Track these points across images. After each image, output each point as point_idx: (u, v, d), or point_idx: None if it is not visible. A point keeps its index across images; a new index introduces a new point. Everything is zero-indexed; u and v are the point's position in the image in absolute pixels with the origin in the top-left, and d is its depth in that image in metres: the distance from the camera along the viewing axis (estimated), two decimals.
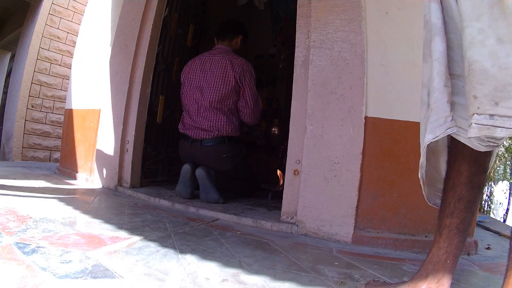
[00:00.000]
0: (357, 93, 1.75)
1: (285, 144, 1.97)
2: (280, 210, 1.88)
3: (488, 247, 1.81)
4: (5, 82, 5.82)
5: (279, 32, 5.02)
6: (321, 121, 1.79)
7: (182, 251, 1.25)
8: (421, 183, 1.03)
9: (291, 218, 1.83)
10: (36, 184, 2.41)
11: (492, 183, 4.61)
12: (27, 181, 2.51)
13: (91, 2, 3.40)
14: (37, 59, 4.61)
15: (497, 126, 0.69)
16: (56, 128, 4.88)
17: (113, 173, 2.56)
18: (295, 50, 1.94)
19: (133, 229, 1.49)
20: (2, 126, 4.94)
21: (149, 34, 2.59)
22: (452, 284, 1.19)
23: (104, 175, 2.62)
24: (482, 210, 4.30)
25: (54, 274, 0.92)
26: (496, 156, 4.37)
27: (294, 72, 1.93)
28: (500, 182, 4.89)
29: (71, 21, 4.99)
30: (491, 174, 4.55)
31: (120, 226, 1.52)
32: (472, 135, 0.72)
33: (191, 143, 2.35)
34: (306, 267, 1.23)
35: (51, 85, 4.82)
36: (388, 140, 1.76)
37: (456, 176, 0.88)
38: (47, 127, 4.81)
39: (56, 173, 3.16)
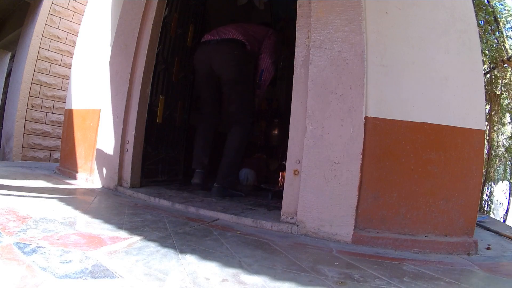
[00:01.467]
0: (357, 93, 1.75)
1: (285, 144, 1.97)
2: (280, 210, 1.88)
3: (488, 247, 1.81)
4: (5, 82, 5.82)
5: (279, 32, 5.01)
6: (321, 121, 1.79)
7: (182, 251, 1.25)
8: None
9: (291, 218, 1.83)
10: (36, 184, 2.41)
11: (492, 183, 4.60)
12: (27, 181, 2.51)
13: (91, 2, 3.40)
14: (37, 59, 4.61)
15: None
16: (56, 128, 4.88)
17: (113, 173, 2.56)
18: (295, 50, 1.94)
19: (133, 229, 1.49)
20: (2, 126, 4.94)
21: (149, 34, 2.59)
22: (452, 284, 1.20)
23: (104, 175, 2.62)
24: (482, 210, 4.29)
25: (54, 274, 0.92)
26: (496, 156, 4.36)
27: (294, 72, 1.93)
28: (500, 182, 4.88)
29: (71, 21, 4.99)
30: (491, 174, 4.55)
31: (120, 226, 1.52)
32: None
33: (208, 43, 2.63)
34: (306, 267, 1.22)
35: (51, 85, 4.81)
36: (388, 140, 1.76)
37: None
38: (47, 127, 4.80)
39: (56, 173, 3.16)
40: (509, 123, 4.69)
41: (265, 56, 2.71)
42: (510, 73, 4.28)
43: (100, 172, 2.66)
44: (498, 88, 4.38)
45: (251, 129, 2.70)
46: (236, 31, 2.60)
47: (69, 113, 3.26)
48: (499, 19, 4.25)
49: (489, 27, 4.30)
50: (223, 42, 2.57)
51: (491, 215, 4.34)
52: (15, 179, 2.51)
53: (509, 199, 4.73)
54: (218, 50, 2.57)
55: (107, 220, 1.59)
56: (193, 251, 1.27)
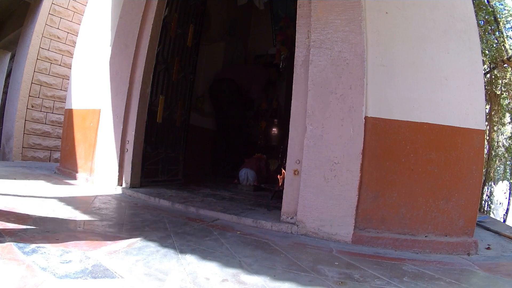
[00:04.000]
0: (357, 93, 1.75)
1: (285, 144, 1.98)
2: (280, 210, 1.88)
3: (488, 247, 1.81)
4: (5, 82, 5.82)
5: (279, 32, 5.02)
6: (321, 121, 1.79)
7: (182, 251, 1.25)
8: None
9: (291, 218, 1.83)
10: (36, 184, 2.41)
11: (492, 183, 4.60)
12: (27, 181, 2.51)
13: (91, 2, 3.40)
14: (37, 59, 4.61)
15: None
16: (56, 128, 4.88)
17: (113, 173, 2.56)
18: (295, 50, 1.94)
19: (133, 229, 1.49)
20: (2, 126, 4.94)
21: (149, 34, 2.59)
22: (452, 284, 1.20)
23: (104, 175, 2.62)
24: (482, 210, 4.28)
25: (54, 274, 0.92)
26: (496, 156, 4.35)
27: (294, 72, 1.93)
28: (500, 182, 4.88)
29: (71, 21, 4.98)
30: (491, 174, 4.54)
31: (120, 226, 1.52)
32: None
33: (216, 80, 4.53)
34: (306, 267, 1.22)
35: (51, 85, 4.81)
36: (388, 140, 1.76)
37: None
38: (47, 127, 4.80)
39: (56, 173, 3.16)
40: (509, 123, 4.69)
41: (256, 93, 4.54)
42: (510, 73, 4.27)
43: (100, 172, 2.66)
44: (498, 88, 4.37)
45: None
46: (231, 75, 4.39)
47: (69, 113, 3.26)
48: (499, 19, 4.25)
49: (489, 27, 4.29)
50: (222, 81, 4.35)
51: (491, 215, 4.34)
52: (15, 179, 2.51)
53: (509, 199, 4.72)
54: (220, 85, 4.36)
55: (107, 220, 1.59)
56: (193, 251, 1.27)
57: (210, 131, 4.63)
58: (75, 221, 1.51)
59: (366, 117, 1.74)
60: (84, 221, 1.53)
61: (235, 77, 4.36)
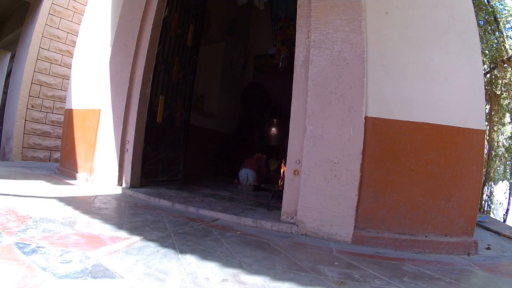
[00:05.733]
0: (357, 93, 1.75)
1: (285, 144, 1.98)
2: (280, 210, 1.88)
3: (488, 247, 1.81)
4: (5, 82, 5.82)
5: (279, 32, 5.02)
6: (321, 121, 1.79)
7: (182, 251, 1.25)
8: None
9: (291, 218, 1.83)
10: (36, 184, 2.41)
11: (492, 183, 4.60)
12: (27, 181, 2.51)
13: (91, 2, 3.40)
14: (37, 59, 4.61)
15: None
16: (56, 128, 4.88)
17: (113, 173, 2.56)
18: (295, 50, 1.94)
19: (133, 229, 1.49)
20: (2, 126, 4.94)
21: (149, 34, 2.59)
22: (452, 284, 1.20)
23: (104, 175, 2.62)
24: (482, 210, 4.29)
25: (54, 274, 0.92)
26: (496, 156, 4.35)
27: (294, 72, 1.93)
28: (500, 182, 4.88)
29: (71, 21, 4.98)
30: (491, 174, 4.55)
31: (120, 226, 1.52)
32: None
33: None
34: (306, 267, 1.22)
35: (51, 85, 4.81)
36: (388, 140, 1.76)
37: None
38: (47, 127, 4.80)
39: (56, 173, 3.16)
40: (509, 123, 4.69)
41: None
42: (510, 73, 4.27)
43: (100, 172, 2.66)
44: (498, 88, 4.37)
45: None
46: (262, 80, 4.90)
47: (69, 113, 3.26)
48: (499, 19, 4.25)
49: (489, 27, 4.29)
50: (253, 85, 4.95)
51: (491, 215, 4.34)
52: (15, 179, 2.51)
53: (509, 199, 4.72)
54: (250, 90, 4.95)
55: (107, 220, 1.59)
56: (193, 251, 1.27)
57: (210, 131, 4.63)
58: (75, 221, 1.51)
59: (366, 117, 1.74)
60: (84, 221, 1.53)
61: (265, 83, 4.54)
